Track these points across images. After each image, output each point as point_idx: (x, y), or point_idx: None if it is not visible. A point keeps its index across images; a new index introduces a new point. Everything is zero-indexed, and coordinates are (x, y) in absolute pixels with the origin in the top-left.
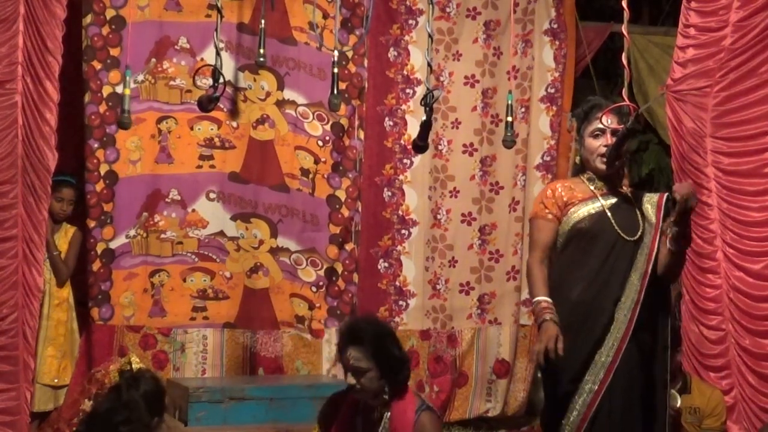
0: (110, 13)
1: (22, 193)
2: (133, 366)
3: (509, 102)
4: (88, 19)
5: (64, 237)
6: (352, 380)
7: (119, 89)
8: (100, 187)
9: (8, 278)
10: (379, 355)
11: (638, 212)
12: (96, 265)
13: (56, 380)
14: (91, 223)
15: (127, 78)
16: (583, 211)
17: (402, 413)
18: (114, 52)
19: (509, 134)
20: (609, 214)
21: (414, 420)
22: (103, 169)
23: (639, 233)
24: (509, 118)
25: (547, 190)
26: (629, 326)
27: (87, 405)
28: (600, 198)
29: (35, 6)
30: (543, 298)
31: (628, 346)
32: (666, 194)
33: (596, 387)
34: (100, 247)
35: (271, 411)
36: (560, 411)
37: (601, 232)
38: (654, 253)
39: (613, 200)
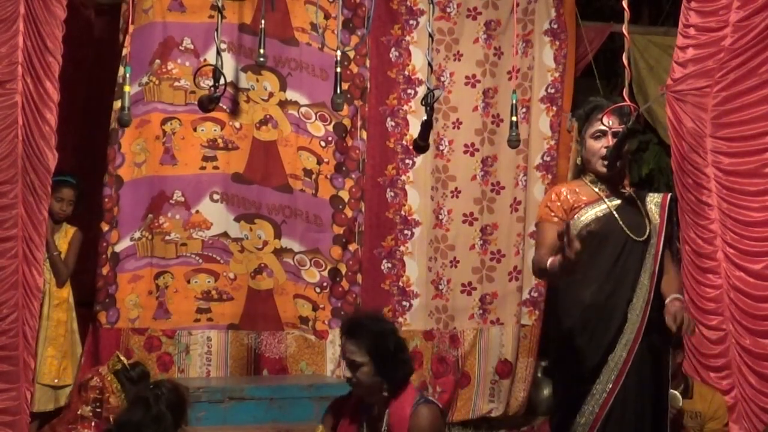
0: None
1: (22, 193)
2: (125, 363)
3: (514, 102)
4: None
5: (64, 237)
6: (348, 373)
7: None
8: (114, 191)
9: (8, 278)
10: (375, 351)
11: (643, 212)
12: (105, 269)
13: (56, 380)
14: (105, 227)
15: (127, 74)
16: (590, 214)
17: (400, 408)
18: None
19: (514, 134)
20: (616, 215)
21: (410, 414)
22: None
23: (646, 233)
24: (514, 118)
25: (552, 194)
26: (641, 326)
27: (85, 411)
28: (605, 200)
29: (35, 6)
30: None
31: (639, 346)
32: (670, 195)
33: (609, 387)
34: (109, 251)
35: (271, 411)
36: (572, 412)
37: (610, 233)
38: (660, 254)
39: (618, 201)
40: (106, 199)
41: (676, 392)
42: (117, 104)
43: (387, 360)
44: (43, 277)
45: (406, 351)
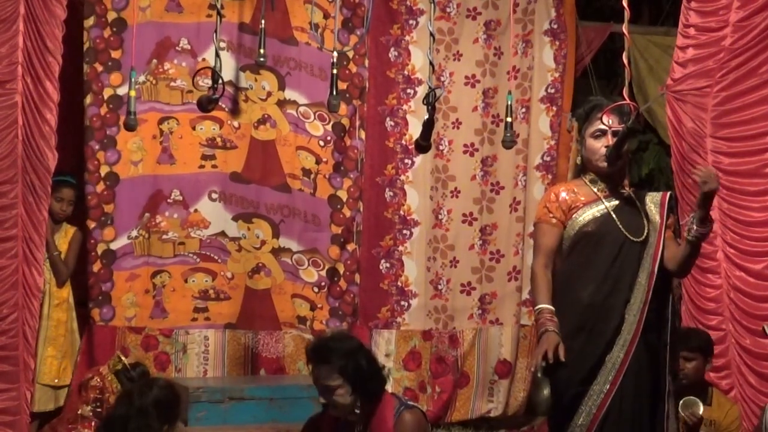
0: (111, 16)
1: (22, 193)
2: (126, 363)
3: (509, 102)
4: (91, 21)
5: (64, 237)
6: (323, 399)
7: (120, 91)
8: (100, 188)
9: (8, 278)
10: (347, 370)
11: (642, 212)
12: (96, 266)
13: (57, 380)
14: (92, 224)
15: (132, 79)
16: (588, 215)
17: (382, 420)
18: (115, 54)
19: (508, 135)
20: (614, 216)
21: (394, 423)
22: (104, 170)
23: (645, 233)
24: (509, 119)
25: (550, 195)
26: (638, 326)
27: (85, 410)
28: (604, 200)
29: (35, 6)
30: (545, 306)
31: (637, 346)
32: (669, 193)
33: (606, 388)
34: (100, 248)
35: (271, 411)
36: (570, 413)
37: (608, 234)
38: (659, 252)
39: (617, 202)
40: (89, 197)
41: (697, 399)
42: (88, 99)
43: (361, 376)
44: (43, 277)
45: (377, 362)
